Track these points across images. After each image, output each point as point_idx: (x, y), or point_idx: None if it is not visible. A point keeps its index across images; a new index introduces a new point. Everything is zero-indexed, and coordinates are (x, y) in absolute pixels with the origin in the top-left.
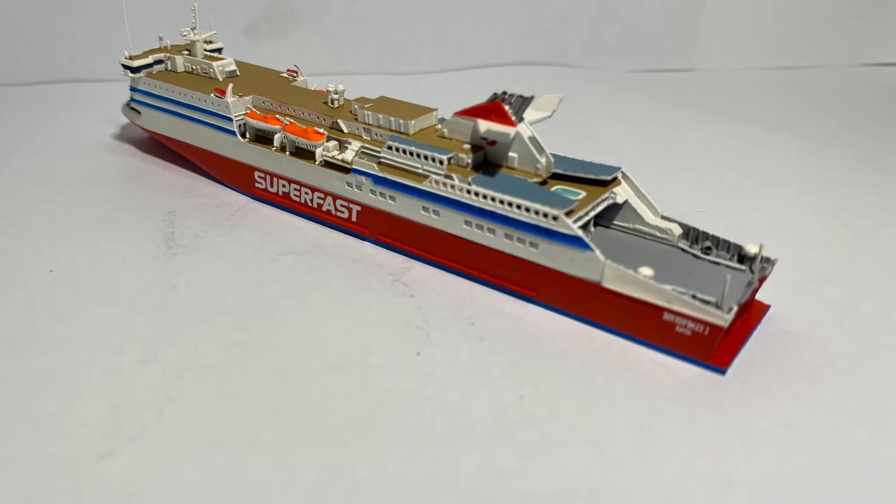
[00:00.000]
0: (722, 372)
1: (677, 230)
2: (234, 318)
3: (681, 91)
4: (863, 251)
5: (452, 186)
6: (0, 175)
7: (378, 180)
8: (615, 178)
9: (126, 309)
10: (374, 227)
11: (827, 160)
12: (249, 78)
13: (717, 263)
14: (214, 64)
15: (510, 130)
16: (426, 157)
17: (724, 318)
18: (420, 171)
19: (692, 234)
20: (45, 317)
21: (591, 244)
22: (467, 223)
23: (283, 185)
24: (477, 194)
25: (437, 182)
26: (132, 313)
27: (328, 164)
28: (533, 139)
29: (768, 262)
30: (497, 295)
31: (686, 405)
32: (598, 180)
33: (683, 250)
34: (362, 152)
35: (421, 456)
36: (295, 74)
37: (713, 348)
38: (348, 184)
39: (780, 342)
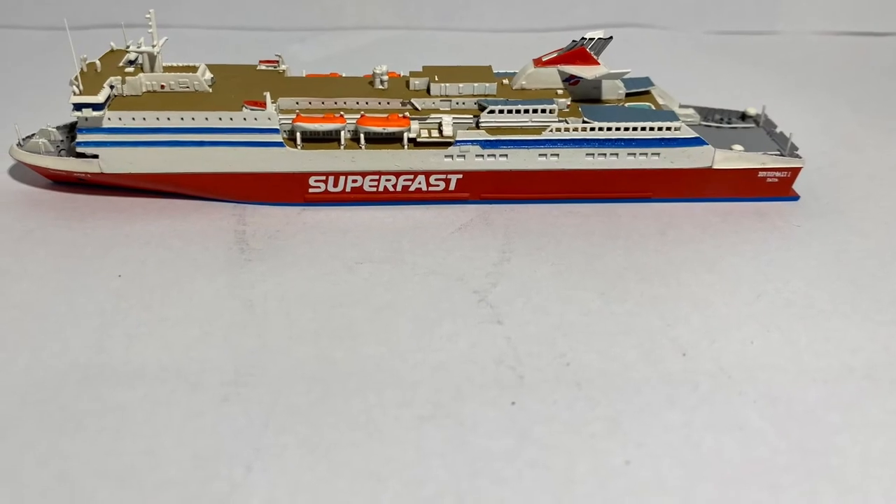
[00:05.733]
0: (796, 199)
1: (695, 114)
2: (316, 346)
3: (761, 55)
4: None
5: (574, 129)
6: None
7: (487, 144)
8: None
9: (201, 329)
10: (477, 189)
11: None
12: (233, 80)
13: (735, 127)
14: (197, 75)
15: (598, 70)
16: (534, 111)
17: (801, 161)
18: (528, 124)
19: (703, 113)
20: (118, 335)
21: (705, 139)
22: (588, 155)
23: (354, 181)
24: (600, 129)
25: (556, 129)
26: (208, 335)
27: (418, 144)
28: (609, 73)
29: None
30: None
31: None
32: (640, 92)
33: (706, 125)
34: (453, 123)
35: None
36: (276, 65)
37: (792, 184)
38: (447, 156)
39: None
